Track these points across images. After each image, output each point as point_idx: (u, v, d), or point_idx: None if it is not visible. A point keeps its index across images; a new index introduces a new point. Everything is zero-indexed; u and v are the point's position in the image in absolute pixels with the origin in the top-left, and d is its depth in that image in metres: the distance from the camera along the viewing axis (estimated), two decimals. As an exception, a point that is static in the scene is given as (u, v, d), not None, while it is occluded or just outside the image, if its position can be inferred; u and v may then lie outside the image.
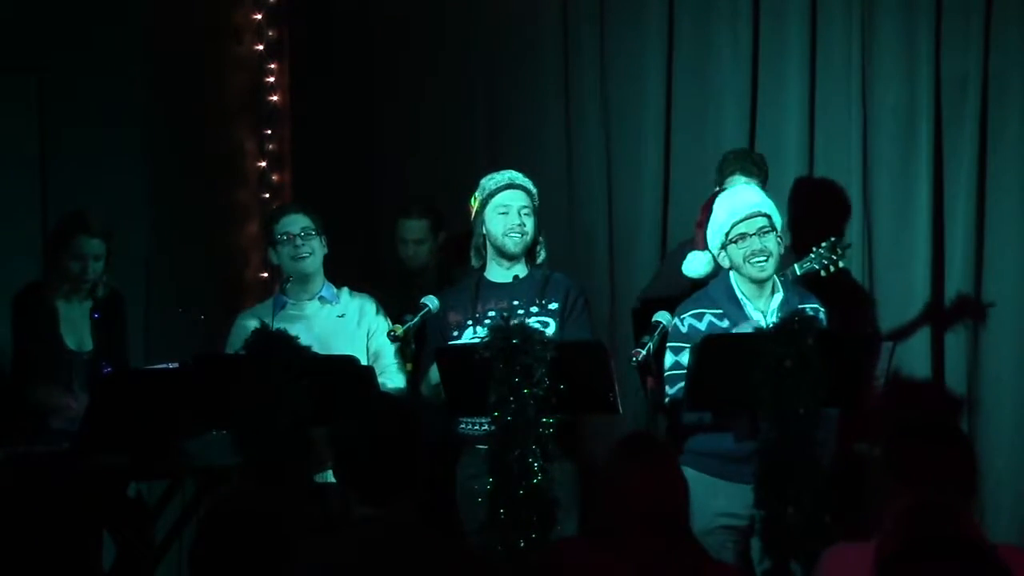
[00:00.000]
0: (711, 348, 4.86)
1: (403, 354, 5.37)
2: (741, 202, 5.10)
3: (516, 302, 5.19)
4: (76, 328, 5.76)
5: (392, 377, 5.40)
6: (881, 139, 6.34)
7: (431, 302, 5.16)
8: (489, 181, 5.31)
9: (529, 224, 5.23)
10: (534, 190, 5.31)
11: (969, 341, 6.24)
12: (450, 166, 6.93)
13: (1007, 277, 6.21)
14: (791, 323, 4.73)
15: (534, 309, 5.19)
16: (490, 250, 5.27)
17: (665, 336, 4.98)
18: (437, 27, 7.00)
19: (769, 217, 5.07)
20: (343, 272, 5.68)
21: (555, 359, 4.73)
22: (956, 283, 6.22)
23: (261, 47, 7.23)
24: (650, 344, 4.83)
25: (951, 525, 3.18)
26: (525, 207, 5.24)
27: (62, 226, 5.71)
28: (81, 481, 5.02)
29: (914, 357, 6.21)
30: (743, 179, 5.96)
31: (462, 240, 6.67)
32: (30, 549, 3.28)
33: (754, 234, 5.02)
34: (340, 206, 6.68)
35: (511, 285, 5.24)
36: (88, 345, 5.75)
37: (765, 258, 5.01)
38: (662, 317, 4.99)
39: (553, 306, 5.19)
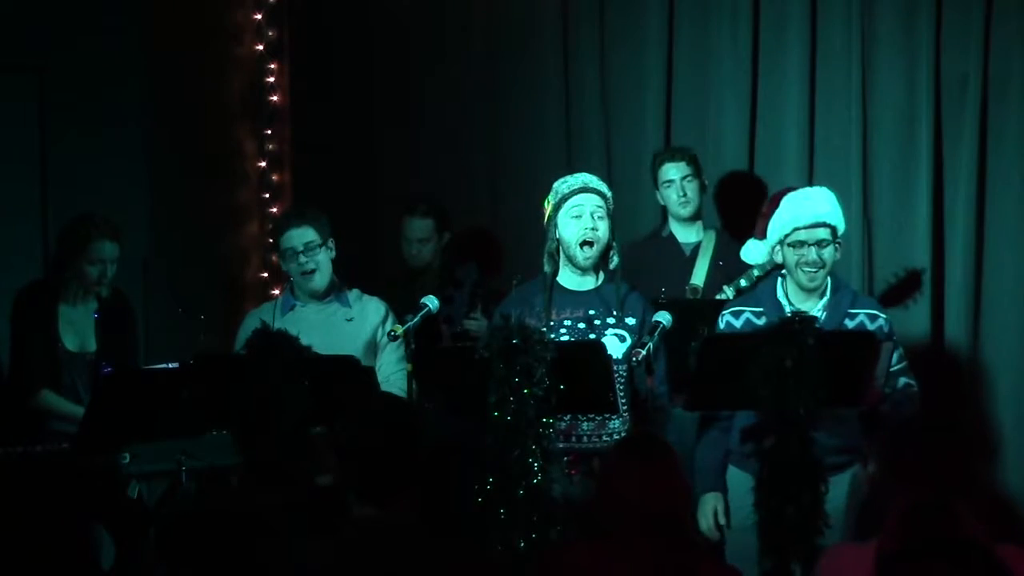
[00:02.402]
0: (711, 348, 4.86)
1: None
2: (808, 209, 5.07)
3: (592, 311, 5.18)
4: (79, 329, 5.75)
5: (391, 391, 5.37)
6: (881, 139, 6.34)
7: (431, 302, 5.15)
8: (562, 185, 5.24)
9: (602, 227, 5.17)
10: (609, 194, 5.24)
11: (969, 341, 6.24)
12: (450, 166, 6.94)
13: (1007, 276, 6.20)
14: (791, 323, 4.74)
15: (611, 320, 5.16)
16: (563, 256, 5.24)
17: (665, 336, 4.98)
18: (437, 26, 7.00)
19: (833, 229, 5.06)
20: (343, 273, 5.67)
21: (555, 359, 4.73)
22: (956, 282, 6.22)
23: (261, 47, 7.24)
24: (650, 344, 4.83)
25: (951, 525, 3.18)
26: (599, 208, 5.19)
27: (76, 232, 5.67)
28: (81, 481, 5.02)
29: (914, 356, 6.20)
30: (672, 165, 6.07)
31: (465, 240, 6.69)
32: (30, 549, 3.28)
33: (812, 244, 5.02)
34: (340, 206, 6.67)
35: (588, 294, 5.22)
36: (91, 346, 5.75)
37: (816, 269, 5.03)
38: (662, 317, 4.98)
39: (631, 321, 5.16)
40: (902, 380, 5.08)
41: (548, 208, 5.24)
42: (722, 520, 5.07)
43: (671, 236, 6.15)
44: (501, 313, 5.01)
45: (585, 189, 5.20)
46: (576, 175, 5.28)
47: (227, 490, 4.56)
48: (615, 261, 5.24)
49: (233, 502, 3.16)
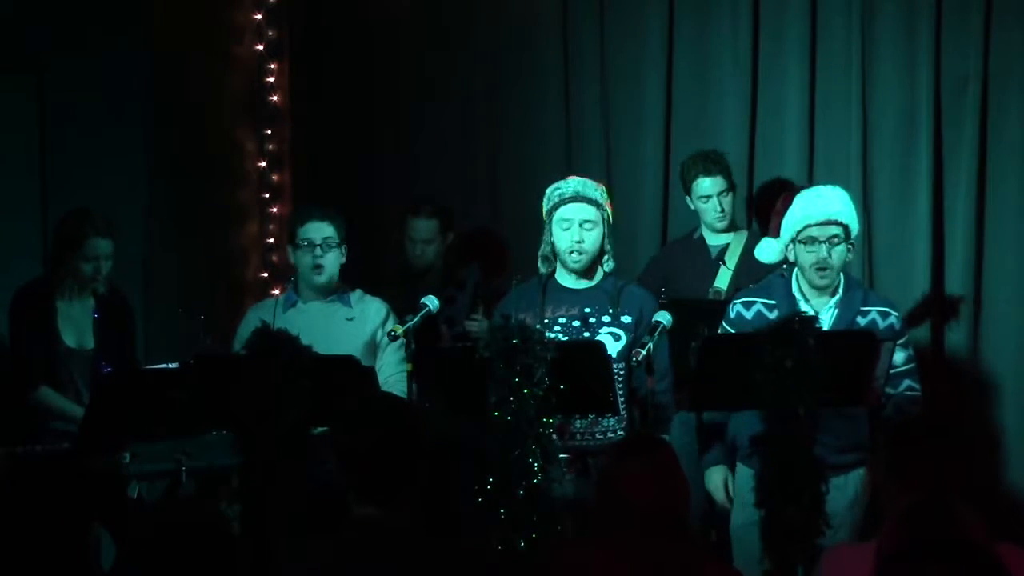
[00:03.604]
0: (712, 348, 4.87)
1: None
2: (820, 206, 5.09)
3: (588, 309, 5.19)
4: (76, 325, 5.76)
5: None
6: (881, 139, 6.34)
7: (431, 302, 5.16)
8: (554, 192, 5.28)
9: (590, 239, 5.20)
10: (602, 199, 5.26)
11: (969, 341, 6.24)
12: (450, 166, 6.94)
13: (1007, 277, 6.21)
14: (791, 323, 4.74)
15: (606, 319, 5.18)
16: (558, 258, 5.26)
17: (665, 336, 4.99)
18: (437, 27, 6.99)
19: (845, 227, 5.06)
20: (345, 273, 5.68)
21: (555, 359, 4.73)
22: (956, 283, 6.22)
23: (261, 47, 7.23)
24: (650, 344, 4.84)
25: (951, 526, 3.18)
26: (588, 220, 5.20)
27: (71, 227, 5.69)
28: (81, 481, 5.01)
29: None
30: (708, 180, 6.00)
31: (467, 240, 6.69)
32: (30, 549, 3.28)
33: (823, 241, 5.03)
34: (340, 206, 6.66)
35: (584, 292, 5.23)
36: (89, 343, 5.76)
37: (826, 268, 5.03)
38: (662, 317, 4.99)
39: (626, 319, 5.18)
40: (906, 382, 5.08)
41: (544, 212, 5.28)
42: (731, 489, 5.11)
43: (701, 238, 6.13)
44: (501, 313, 5.02)
45: (576, 198, 5.22)
46: (570, 181, 5.30)
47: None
48: (610, 266, 5.26)
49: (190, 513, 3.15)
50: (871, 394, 4.84)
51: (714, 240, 6.08)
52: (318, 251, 5.52)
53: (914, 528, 3.17)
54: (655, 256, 6.37)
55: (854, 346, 4.82)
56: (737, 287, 5.79)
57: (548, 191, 5.29)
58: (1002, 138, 6.21)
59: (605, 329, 5.16)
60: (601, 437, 5.11)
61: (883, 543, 3.25)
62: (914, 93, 6.27)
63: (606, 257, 5.25)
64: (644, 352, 4.80)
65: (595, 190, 5.26)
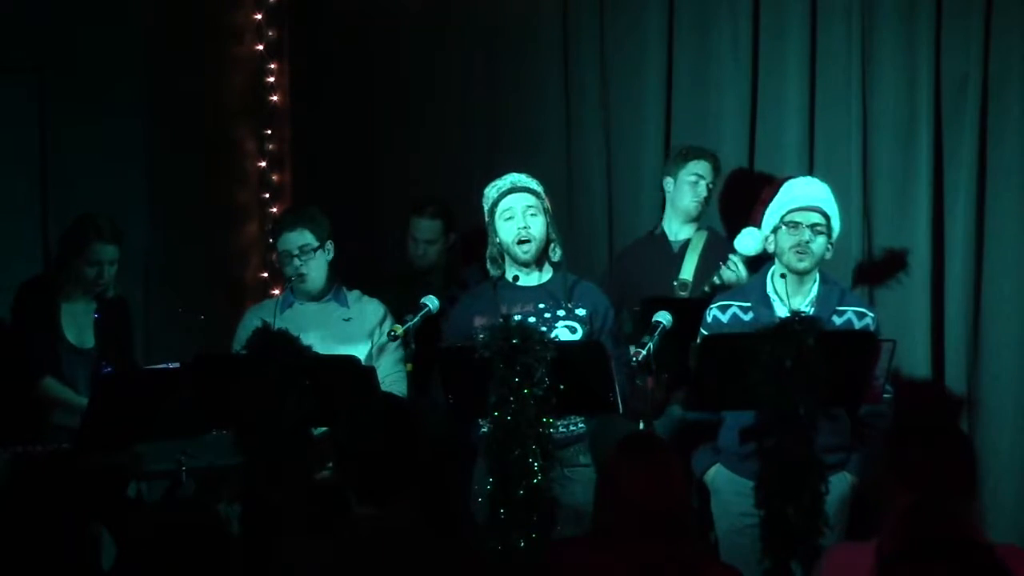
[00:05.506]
0: (711, 348, 4.86)
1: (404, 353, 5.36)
2: (807, 192, 5.16)
3: (542, 304, 5.19)
4: (77, 323, 5.78)
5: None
6: (881, 139, 6.34)
7: (431, 302, 5.16)
8: (491, 189, 5.30)
9: (536, 225, 5.21)
10: (539, 189, 5.28)
11: (969, 341, 6.23)
12: (450, 166, 6.93)
13: (1007, 277, 6.20)
14: (791, 323, 4.74)
15: (561, 312, 5.18)
16: (507, 257, 5.26)
17: (665, 336, 4.99)
18: (437, 27, 7.00)
19: (827, 218, 5.09)
20: (343, 273, 5.68)
21: (555, 359, 4.74)
22: (956, 283, 6.21)
23: (261, 47, 7.24)
24: (650, 344, 4.84)
25: (951, 525, 3.18)
26: (530, 207, 5.22)
27: (77, 232, 5.72)
28: (81, 481, 5.02)
29: (914, 357, 6.21)
30: (705, 163, 6.07)
31: (470, 240, 6.69)
32: (30, 548, 3.28)
33: (807, 226, 5.05)
34: (340, 206, 6.67)
35: (536, 288, 5.23)
36: (89, 342, 5.78)
37: (806, 252, 5.04)
38: (662, 317, 4.99)
39: (581, 312, 5.19)
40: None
41: (486, 213, 5.29)
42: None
43: (662, 233, 6.16)
44: (501, 318, 5.00)
45: (514, 189, 5.26)
46: (506, 176, 5.34)
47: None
48: (558, 254, 5.27)
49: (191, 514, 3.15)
50: (871, 394, 4.83)
51: (675, 235, 6.11)
52: (296, 261, 5.50)
53: (914, 528, 3.17)
54: (617, 255, 6.40)
55: (854, 346, 4.82)
56: (702, 277, 5.80)
57: (486, 191, 5.33)
58: (1002, 138, 6.20)
59: (561, 323, 5.16)
60: (565, 430, 5.08)
61: (883, 543, 3.25)
62: (914, 93, 6.27)
63: (553, 245, 5.27)
64: (644, 352, 4.80)
65: (531, 180, 5.29)
